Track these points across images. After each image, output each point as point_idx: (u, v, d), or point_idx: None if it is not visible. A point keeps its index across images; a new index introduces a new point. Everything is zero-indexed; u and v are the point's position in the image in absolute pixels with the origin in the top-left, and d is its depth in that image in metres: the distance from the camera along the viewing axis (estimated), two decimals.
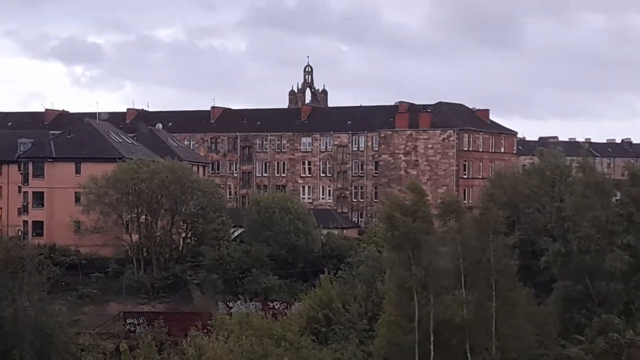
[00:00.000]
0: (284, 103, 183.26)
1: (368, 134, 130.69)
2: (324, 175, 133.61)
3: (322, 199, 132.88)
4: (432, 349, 55.61)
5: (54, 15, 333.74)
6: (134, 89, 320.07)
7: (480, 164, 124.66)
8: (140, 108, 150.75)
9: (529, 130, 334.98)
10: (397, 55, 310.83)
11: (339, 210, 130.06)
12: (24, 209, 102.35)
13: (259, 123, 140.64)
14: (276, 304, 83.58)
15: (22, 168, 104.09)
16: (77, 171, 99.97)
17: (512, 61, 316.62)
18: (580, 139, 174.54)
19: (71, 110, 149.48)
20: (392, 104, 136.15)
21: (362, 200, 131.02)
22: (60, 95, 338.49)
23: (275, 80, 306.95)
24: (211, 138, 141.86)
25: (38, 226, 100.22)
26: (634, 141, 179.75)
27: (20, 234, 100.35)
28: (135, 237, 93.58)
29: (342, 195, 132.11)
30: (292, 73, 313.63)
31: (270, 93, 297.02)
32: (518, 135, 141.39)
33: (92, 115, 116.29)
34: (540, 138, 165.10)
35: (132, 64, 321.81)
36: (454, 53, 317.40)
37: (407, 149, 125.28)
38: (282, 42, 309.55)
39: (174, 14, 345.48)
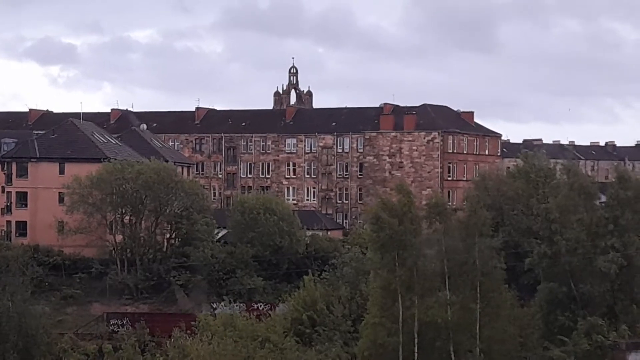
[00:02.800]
0: (267, 104, 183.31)
1: (353, 136, 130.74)
2: (308, 176, 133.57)
3: (307, 200, 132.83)
4: (416, 350, 55.63)
5: (29, 17, 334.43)
6: (112, 90, 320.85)
7: (465, 166, 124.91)
8: (125, 109, 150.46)
9: (513, 133, 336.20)
10: (375, 58, 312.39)
11: (324, 212, 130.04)
12: (7, 209, 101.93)
13: (243, 124, 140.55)
14: (260, 305, 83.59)
15: (5, 168, 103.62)
16: (61, 171, 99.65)
17: (492, 65, 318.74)
18: (564, 141, 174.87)
19: (55, 111, 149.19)
20: (377, 105, 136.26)
21: (346, 201, 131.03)
22: (38, 96, 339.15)
23: (255, 81, 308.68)
24: (196, 139, 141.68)
25: (21, 226, 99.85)
26: (618, 144, 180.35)
27: (3, 234, 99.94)
28: (119, 237, 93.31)
29: (327, 196, 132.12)
30: (271, 75, 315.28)
31: (251, 94, 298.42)
32: (502, 138, 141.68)
33: (76, 115, 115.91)
34: (525, 140, 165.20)
35: (108, 65, 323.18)
36: (432, 56, 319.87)
37: (392, 150, 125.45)
38: (258, 44, 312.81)
39: (148, 16, 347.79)
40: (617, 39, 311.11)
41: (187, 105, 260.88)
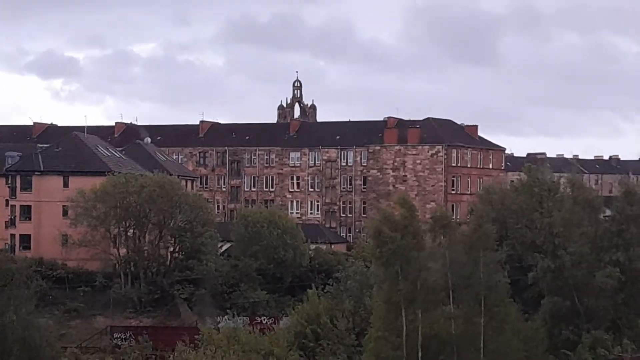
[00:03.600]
0: (269, 117, 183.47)
1: (357, 149, 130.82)
2: (312, 190, 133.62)
3: (311, 213, 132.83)
4: None
5: (31, 30, 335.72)
6: (115, 103, 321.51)
7: (469, 179, 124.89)
8: (129, 122, 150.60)
9: (515, 146, 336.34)
10: (375, 71, 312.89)
11: (327, 225, 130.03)
12: (11, 222, 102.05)
13: (247, 137, 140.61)
14: (264, 319, 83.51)
15: (9, 181, 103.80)
16: (65, 184, 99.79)
17: (492, 78, 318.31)
18: (568, 155, 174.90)
19: (59, 124, 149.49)
20: (381, 119, 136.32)
21: (350, 215, 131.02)
22: (40, 109, 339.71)
23: (256, 94, 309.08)
24: (200, 152, 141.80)
25: (25, 239, 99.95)
26: (622, 158, 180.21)
27: (7, 247, 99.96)
28: (122, 251, 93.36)
29: (331, 210, 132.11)
30: (273, 88, 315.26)
31: (252, 107, 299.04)
32: (506, 152, 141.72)
33: (81, 128, 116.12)
34: (529, 154, 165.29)
35: (110, 79, 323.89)
36: (432, 69, 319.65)
37: (396, 164, 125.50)
38: (258, 57, 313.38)
39: (149, 30, 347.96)
40: (616, 51, 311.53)
41: (189, 118, 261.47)
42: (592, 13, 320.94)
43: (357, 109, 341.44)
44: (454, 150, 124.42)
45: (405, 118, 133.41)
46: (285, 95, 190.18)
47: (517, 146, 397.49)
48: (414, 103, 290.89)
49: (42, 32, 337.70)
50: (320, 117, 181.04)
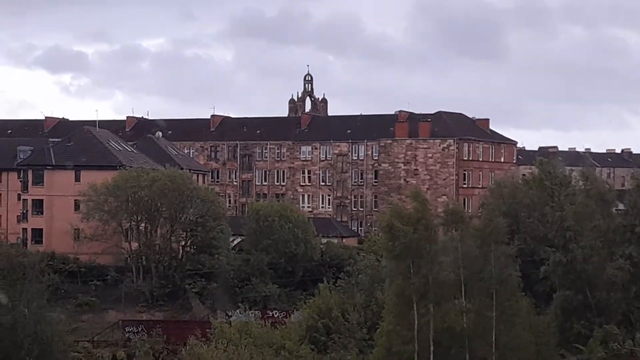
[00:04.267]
0: (278, 111, 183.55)
1: (368, 143, 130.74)
2: (323, 184, 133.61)
3: (322, 207, 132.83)
4: (431, 358, 55.47)
5: (39, 25, 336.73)
6: (123, 98, 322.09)
7: (480, 173, 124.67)
8: (140, 116, 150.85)
9: (524, 140, 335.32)
10: (382, 66, 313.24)
11: (339, 219, 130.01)
12: (23, 217, 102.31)
13: (258, 131, 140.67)
14: (275, 313, 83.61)
15: (21, 175, 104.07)
16: (77, 179, 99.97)
17: (501, 72, 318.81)
18: (580, 149, 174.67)
19: (70, 118, 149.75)
20: (392, 113, 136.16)
21: (361, 209, 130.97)
22: (50, 104, 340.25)
23: (264, 89, 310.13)
24: (211, 146, 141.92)
25: (37, 234, 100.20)
26: (634, 151, 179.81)
27: (19, 241, 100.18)
28: (134, 245, 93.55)
29: (342, 204, 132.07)
30: (281, 82, 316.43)
31: (262, 102, 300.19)
32: (518, 145, 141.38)
33: (92, 123, 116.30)
34: (540, 148, 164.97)
35: (119, 73, 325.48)
36: (439, 64, 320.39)
37: (407, 158, 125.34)
38: (266, 52, 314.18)
39: (156, 25, 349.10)
40: (622, 45, 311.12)
41: (198, 112, 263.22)
42: (597, 7, 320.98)
43: (368, 103, 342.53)
44: (466, 144, 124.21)
45: (416, 112, 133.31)
46: (293, 89, 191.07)
47: (528, 140, 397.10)
48: (422, 98, 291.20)
49: (49, 27, 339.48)
50: (331, 111, 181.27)
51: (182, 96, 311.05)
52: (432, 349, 55.41)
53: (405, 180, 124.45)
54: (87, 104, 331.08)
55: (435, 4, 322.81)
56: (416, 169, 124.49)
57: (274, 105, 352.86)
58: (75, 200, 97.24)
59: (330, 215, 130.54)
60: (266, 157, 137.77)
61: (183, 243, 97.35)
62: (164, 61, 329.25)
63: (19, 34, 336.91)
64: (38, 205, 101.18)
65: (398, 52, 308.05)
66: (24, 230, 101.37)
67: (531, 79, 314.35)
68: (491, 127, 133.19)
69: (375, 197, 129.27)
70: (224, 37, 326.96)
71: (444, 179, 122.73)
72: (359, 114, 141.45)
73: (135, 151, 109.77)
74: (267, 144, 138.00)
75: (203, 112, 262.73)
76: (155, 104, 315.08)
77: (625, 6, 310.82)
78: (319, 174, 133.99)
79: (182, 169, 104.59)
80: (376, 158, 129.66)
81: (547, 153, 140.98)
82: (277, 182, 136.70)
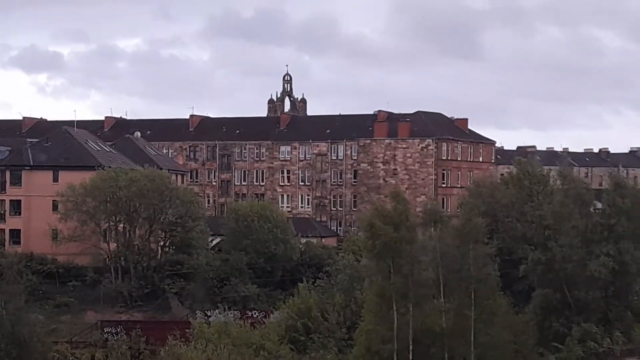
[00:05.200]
0: (256, 111, 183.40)
1: (347, 143, 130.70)
2: (302, 184, 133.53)
3: (301, 207, 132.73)
4: (410, 357, 55.59)
5: (14, 25, 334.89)
6: (100, 98, 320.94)
7: (459, 172, 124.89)
8: (119, 116, 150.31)
9: (503, 140, 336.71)
10: (361, 65, 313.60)
11: (318, 219, 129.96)
12: (0, 217, 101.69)
13: (237, 131, 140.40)
14: (255, 313, 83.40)
15: None
16: (55, 179, 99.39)
17: (478, 72, 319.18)
18: (557, 148, 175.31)
19: (48, 119, 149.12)
20: (371, 112, 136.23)
21: (341, 208, 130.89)
22: (26, 104, 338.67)
23: (242, 89, 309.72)
24: (190, 146, 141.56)
25: (15, 234, 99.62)
26: (612, 151, 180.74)
27: None
28: (113, 245, 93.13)
29: (321, 203, 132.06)
30: (259, 82, 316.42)
31: (240, 102, 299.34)
32: (496, 145, 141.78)
33: (70, 123, 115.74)
34: (519, 147, 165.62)
35: (96, 73, 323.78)
36: (417, 63, 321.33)
37: (386, 157, 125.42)
38: (244, 52, 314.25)
39: (132, 24, 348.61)
40: (599, 45, 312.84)
41: (176, 112, 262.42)
42: (574, 7, 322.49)
43: (347, 103, 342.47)
44: (444, 144, 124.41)
45: (396, 112, 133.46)
46: (272, 89, 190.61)
47: (507, 139, 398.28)
48: (401, 97, 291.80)
49: (25, 26, 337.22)
50: (310, 111, 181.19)
51: (160, 96, 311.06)
52: (411, 348, 55.56)
53: (384, 180, 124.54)
54: (64, 104, 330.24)
55: (413, 3, 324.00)
56: (395, 169, 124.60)
57: (253, 105, 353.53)
58: (53, 200, 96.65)
59: (309, 215, 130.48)
60: (245, 157, 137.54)
61: (162, 243, 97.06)
62: (141, 61, 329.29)
63: None
64: (16, 206, 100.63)
65: (377, 52, 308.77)
66: (2, 231, 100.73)
67: (510, 78, 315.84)
68: (470, 126, 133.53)
69: (355, 196, 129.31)
70: (201, 37, 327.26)
71: (422, 179, 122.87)
72: (338, 113, 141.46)
73: (113, 151, 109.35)
74: (246, 144, 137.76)
75: (182, 112, 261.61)
76: (134, 104, 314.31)
77: (603, 6, 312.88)
78: (298, 174, 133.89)
79: (161, 169, 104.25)
80: (355, 158, 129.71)
81: (525, 153, 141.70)
82: (257, 182, 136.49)
